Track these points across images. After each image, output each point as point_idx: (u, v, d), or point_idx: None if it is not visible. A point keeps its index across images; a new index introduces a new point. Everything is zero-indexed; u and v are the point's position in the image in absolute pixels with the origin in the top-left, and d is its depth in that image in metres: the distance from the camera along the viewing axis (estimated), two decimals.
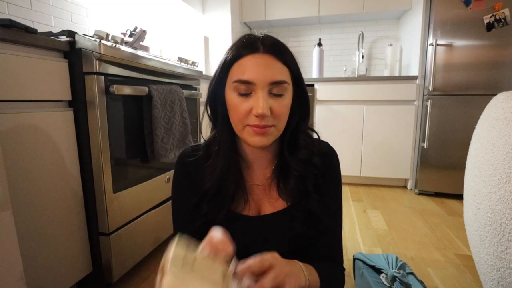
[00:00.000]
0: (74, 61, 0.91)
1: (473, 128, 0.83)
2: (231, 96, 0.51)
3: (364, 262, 1.07)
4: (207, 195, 0.57)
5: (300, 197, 0.56)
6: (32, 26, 0.99)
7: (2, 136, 0.72)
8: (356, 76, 2.83)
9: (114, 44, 1.00)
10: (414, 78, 2.21)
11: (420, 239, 1.50)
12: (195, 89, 1.66)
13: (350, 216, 1.80)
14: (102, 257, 1.01)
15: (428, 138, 2.12)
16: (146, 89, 1.11)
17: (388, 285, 0.94)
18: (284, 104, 0.51)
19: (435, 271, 1.21)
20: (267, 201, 0.60)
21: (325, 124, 2.43)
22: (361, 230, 1.61)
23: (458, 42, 1.99)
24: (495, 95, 0.77)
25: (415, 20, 2.28)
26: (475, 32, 1.95)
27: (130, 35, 1.65)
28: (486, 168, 0.70)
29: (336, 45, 2.95)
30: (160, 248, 1.35)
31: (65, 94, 0.91)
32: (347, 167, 2.39)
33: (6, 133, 0.73)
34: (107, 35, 0.97)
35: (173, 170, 0.65)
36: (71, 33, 0.91)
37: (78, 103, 0.93)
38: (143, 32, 1.51)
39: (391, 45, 2.64)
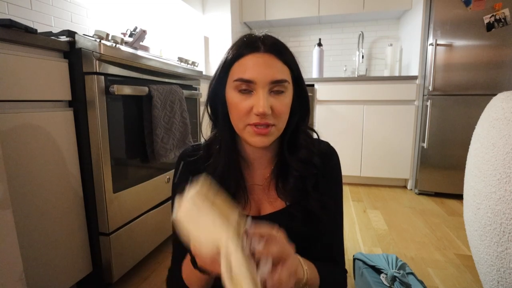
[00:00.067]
0: (74, 61, 0.91)
1: (473, 128, 0.83)
2: (232, 95, 0.52)
3: (364, 262, 1.07)
4: None
5: (299, 197, 0.56)
6: (32, 26, 0.99)
7: (2, 136, 0.72)
8: (356, 76, 2.83)
9: (114, 44, 1.00)
10: (414, 78, 2.21)
11: (420, 239, 1.51)
12: (195, 89, 1.66)
13: (350, 216, 1.80)
14: (102, 257, 1.01)
15: (428, 138, 2.12)
16: (146, 89, 1.11)
17: (388, 285, 0.94)
18: (284, 103, 0.52)
19: (435, 271, 1.21)
20: (266, 201, 0.60)
21: (325, 124, 2.43)
22: (361, 230, 1.61)
23: (458, 42, 1.99)
24: (495, 95, 0.77)
25: (415, 20, 2.28)
26: (475, 32, 1.95)
27: (130, 35, 1.65)
28: (486, 168, 0.70)
29: (336, 45, 2.95)
30: (160, 248, 1.35)
31: (65, 94, 0.91)
32: (347, 167, 2.39)
33: (6, 133, 0.73)
34: (107, 35, 0.97)
35: (173, 170, 0.65)
36: (71, 33, 0.91)
37: (78, 103, 0.93)
38: (143, 32, 1.51)
39: (391, 45, 2.64)
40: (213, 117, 0.60)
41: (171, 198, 0.66)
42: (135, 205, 1.13)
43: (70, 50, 0.90)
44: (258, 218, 0.59)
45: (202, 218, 0.35)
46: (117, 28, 1.79)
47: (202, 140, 0.64)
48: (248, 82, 0.49)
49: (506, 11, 1.87)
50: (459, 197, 2.03)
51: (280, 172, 0.59)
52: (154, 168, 1.25)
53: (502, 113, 0.69)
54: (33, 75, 0.80)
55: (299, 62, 0.56)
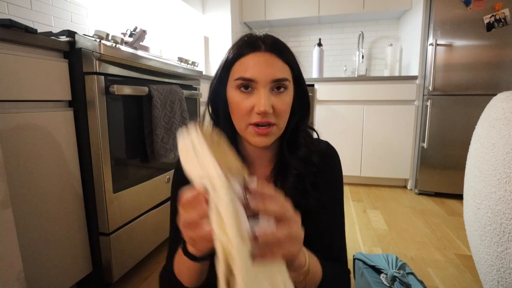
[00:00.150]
0: (74, 61, 0.91)
1: (473, 128, 0.83)
2: (233, 94, 0.52)
3: (364, 262, 1.07)
4: None
5: (299, 196, 0.56)
6: (32, 26, 0.99)
7: (2, 136, 0.72)
8: (356, 76, 2.83)
9: (114, 44, 1.00)
10: (414, 78, 2.21)
11: (420, 239, 1.50)
12: (195, 89, 1.66)
13: (350, 216, 1.80)
14: (102, 257, 1.01)
15: (428, 138, 2.12)
16: (146, 89, 1.11)
17: (388, 285, 0.94)
18: (285, 102, 0.52)
19: (435, 271, 1.21)
20: None
21: (325, 124, 2.43)
22: (361, 230, 1.61)
23: (458, 42, 1.99)
24: (495, 95, 0.77)
25: (415, 20, 2.28)
26: (475, 32, 1.95)
27: (130, 35, 1.65)
28: (486, 168, 0.70)
29: (336, 45, 2.95)
30: (160, 248, 1.35)
31: (65, 94, 0.91)
32: (347, 167, 2.39)
33: (6, 133, 0.73)
34: (107, 35, 0.97)
35: (173, 170, 0.65)
36: (71, 33, 0.91)
37: (78, 103, 0.93)
38: (143, 32, 1.51)
39: (391, 45, 2.64)
40: (214, 117, 0.60)
41: (171, 198, 0.66)
42: (135, 205, 1.13)
43: (70, 50, 0.90)
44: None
45: (200, 153, 0.32)
46: (117, 28, 1.79)
47: None
48: (249, 80, 0.49)
49: (506, 11, 1.87)
50: (459, 197, 2.04)
51: (280, 171, 0.59)
52: (154, 168, 1.25)
53: (502, 113, 0.69)
54: (33, 75, 0.80)
55: (299, 61, 0.56)
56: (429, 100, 2.09)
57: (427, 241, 1.48)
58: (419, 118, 2.24)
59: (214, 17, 2.58)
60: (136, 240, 1.14)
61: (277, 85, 0.50)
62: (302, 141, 0.58)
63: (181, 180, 0.63)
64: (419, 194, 2.23)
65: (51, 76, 0.85)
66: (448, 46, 2.01)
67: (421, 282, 0.97)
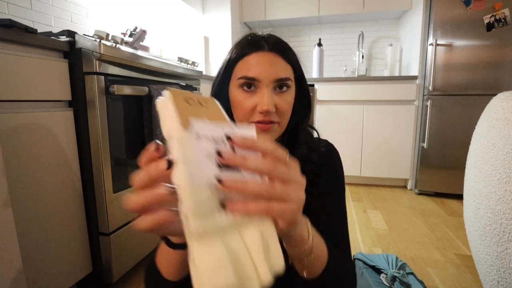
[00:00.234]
0: (74, 61, 0.91)
1: (473, 128, 0.83)
2: (236, 93, 0.52)
3: (364, 262, 1.07)
4: None
5: None
6: (32, 26, 0.99)
7: (2, 136, 0.72)
8: (356, 76, 2.83)
9: (114, 44, 1.00)
10: (414, 78, 2.21)
11: (420, 239, 1.50)
12: (195, 89, 1.66)
13: (350, 216, 1.80)
14: (102, 257, 1.01)
15: (428, 138, 2.12)
16: (146, 89, 1.11)
17: (388, 285, 0.95)
18: (287, 101, 0.52)
19: (435, 271, 1.21)
20: None
21: (325, 124, 2.43)
22: (361, 230, 1.61)
23: (458, 42, 1.99)
24: (495, 95, 0.77)
25: (415, 20, 2.28)
26: (475, 32, 1.95)
27: (130, 35, 1.65)
28: (486, 168, 0.70)
29: (336, 45, 2.95)
30: None
31: (65, 94, 0.91)
32: (347, 167, 2.39)
33: (6, 133, 0.73)
34: (107, 35, 0.97)
35: None
36: (71, 33, 0.91)
37: (78, 103, 0.93)
38: (143, 32, 1.51)
39: (391, 45, 2.64)
40: None
41: None
42: None
43: (70, 50, 0.90)
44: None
45: (167, 111, 0.27)
46: (117, 28, 1.79)
47: None
48: (252, 80, 0.49)
49: (506, 11, 1.87)
50: (459, 197, 2.03)
51: None
52: None
53: (502, 113, 0.69)
54: (33, 75, 0.80)
55: (301, 61, 0.56)
56: (429, 100, 2.09)
57: (427, 241, 1.48)
58: (419, 118, 2.24)
59: (214, 17, 2.58)
60: (136, 240, 1.14)
61: (280, 85, 0.51)
62: (302, 140, 0.58)
63: None
64: (419, 194, 2.23)
65: (51, 76, 0.85)
66: (448, 46, 2.01)
67: (421, 282, 0.97)
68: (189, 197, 0.23)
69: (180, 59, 1.53)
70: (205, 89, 1.80)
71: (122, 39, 1.05)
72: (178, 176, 0.23)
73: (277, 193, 0.26)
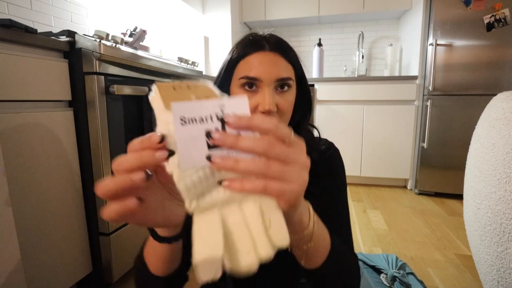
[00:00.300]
0: (74, 61, 0.91)
1: (473, 128, 0.83)
2: (237, 93, 0.52)
3: (364, 262, 1.07)
4: None
5: None
6: (32, 26, 0.99)
7: (2, 136, 0.72)
8: (356, 76, 2.83)
9: (114, 44, 1.00)
10: (414, 78, 2.21)
11: (420, 239, 1.50)
12: None
13: (350, 216, 1.80)
14: (102, 257, 1.01)
15: (428, 138, 2.12)
16: (146, 89, 1.11)
17: (388, 285, 0.95)
18: (289, 101, 0.53)
19: (435, 271, 1.21)
20: None
21: (325, 124, 2.43)
22: (361, 230, 1.61)
23: (458, 42, 1.99)
24: (495, 95, 0.77)
25: (415, 20, 2.28)
26: (475, 32, 1.95)
27: (130, 35, 1.65)
28: (486, 168, 0.70)
29: (336, 45, 2.95)
30: None
31: (65, 94, 0.91)
32: (347, 167, 2.36)
33: (6, 133, 0.73)
34: (107, 35, 0.97)
35: None
36: (71, 33, 0.91)
37: (78, 103, 0.93)
38: (143, 32, 1.51)
39: (391, 45, 2.64)
40: None
41: None
42: None
43: (70, 50, 0.90)
44: None
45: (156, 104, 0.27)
46: (117, 28, 1.79)
47: None
48: (254, 79, 0.50)
49: (506, 11, 1.87)
50: (459, 197, 2.03)
51: None
52: None
53: (502, 113, 0.69)
54: (33, 75, 0.80)
55: (302, 61, 0.57)
56: (429, 100, 2.09)
57: (427, 241, 1.48)
58: (419, 118, 2.24)
59: (214, 17, 2.58)
60: (136, 240, 1.14)
61: (281, 84, 0.51)
62: (303, 137, 0.58)
63: None
64: (419, 194, 2.23)
65: (51, 76, 0.85)
66: (448, 46, 2.01)
67: (421, 282, 0.97)
68: (179, 182, 0.23)
69: (180, 59, 1.53)
70: None
71: (122, 39, 1.05)
72: (168, 163, 0.23)
73: (273, 172, 0.24)
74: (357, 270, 0.49)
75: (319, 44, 2.70)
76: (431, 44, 2.03)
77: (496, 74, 1.96)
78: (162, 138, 0.24)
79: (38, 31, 0.83)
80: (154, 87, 0.27)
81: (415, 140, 2.28)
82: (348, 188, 0.62)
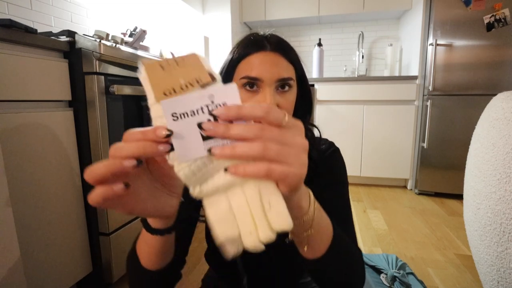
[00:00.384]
0: (74, 61, 0.91)
1: (473, 128, 0.83)
2: None
3: (364, 262, 1.07)
4: None
5: None
6: (32, 26, 0.99)
7: (2, 136, 0.72)
8: (356, 76, 2.83)
9: (114, 44, 1.00)
10: (414, 78, 2.21)
11: (420, 239, 1.50)
12: None
13: None
14: (102, 257, 1.01)
15: (428, 138, 2.12)
16: None
17: (388, 285, 0.95)
18: (290, 101, 0.53)
19: (435, 271, 1.21)
20: None
21: (325, 124, 2.43)
22: (361, 230, 1.61)
23: (458, 42, 1.99)
24: (495, 95, 0.77)
25: (415, 20, 2.28)
26: (475, 32, 1.95)
27: (130, 35, 1.65)
28: (486, 168, 0.70)
29: (336, 45, 2.95)
30: None
31: (65, 94, 0.91)
32: (347, 167, 2.38)
33: (6, 133, 0.73)
34: (107, 35, 0.97)
35: None
36: (71, 33, 0.91)
37: (78, 103, 0.93)
38: (143, 32, 1.51)
39: (391, 45, 2.64)
40: None
41: None
42: None
43: (70, 50, 0.90)
44: None
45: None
46: (117, 28, 1.78)
47: None
48: (255, 80, 0.50)
49: (506, 11, 1.87)
50: (459, 197, 2.03)
51: None
52: None
53: (502, 113, 0.69)
54: (33, 75, 0.80)
55: (302, 61, 0.57)
56: (429, 100, 2.09)
57: (427, 241, 1.48)
58: (419, 118, 2.24)
59: (214, 17, 2.58)
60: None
61: (282, 84, 0.51)
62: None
63: None
64: (419, 194, 2.23)
65: (51, 76, 0.85)
66: (448, 46, 2.01)
67: (421, 282, 0.97)
68: (179, 173, 0.24)
69: None
70: None
71: (122, 39, 1.05)
72: (169, 156, 0.24)
73: (271, 154, 0.23)
74: (362, 267, 0.47)
75: (319, 44, 2.70)
76: (431, 44, 2.03)
77: (496, 74, 1.96)
78: (168, 134, 0.24)
79: (38, 31, 0.84)
80: (141, 66, 0.26)
81: (415, 140, 2.28)
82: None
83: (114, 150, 0.25)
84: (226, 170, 0.24)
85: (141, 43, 1.53)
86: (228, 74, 0.54)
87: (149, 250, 0.40)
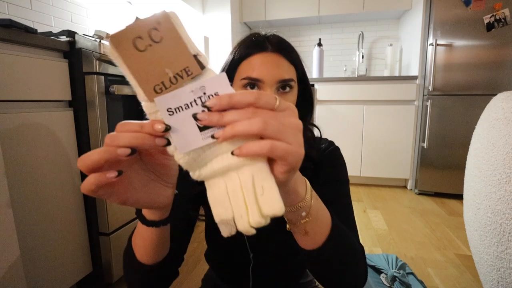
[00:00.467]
0: (74, 61, 0.91)
1: (473, 128, 0.83)
2: None
3: None
4: None
5: None
6: (32, 26, 0.99)
7: (2, 136, 0.72)
8: (356, 76, 2.83)
9: None
10: (414, 78, 2.21)
11: (420, 239, 1.50)
12: None
13: None
14: (102, 257, 1.01)
15: (428, 138, 2.12)
16: None
17: (388, 285, 0.95)
18: (291, 102, 0.53)
19: (435, 271, 1.21)
20: None
21: (325, 124, 2.43)
22: (361, 230, 1.61)
23: (458, 42, 1.99)
24: (495, 95, 0.77)
25: (415, 20, 2.28)
26: (475, 32, 1.95)
27: None
28: (486, 168, 0.70)
29: (336, 45, 2.95)
30: None
31: (65, 94, 0.91)
32: (347, 167, 2.39)
33: (6, 133, 0.73)
34: (107, 35, 0.97)
35: None
36: (71, 33, 0.91)
37: (78, 103, 0.93)
38: None
39: (391, 45, 2.64)
40: None
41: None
42: None
43: (70, 50, 0.90)
44: None
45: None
46: (117, 28, 1.78)
47: None
48: (256, 80, 0.50)
49: (506, 11, 1.87)
50: (459, 197, 2.03)
51: None
52: None
53: (502, 113, 0.69)
54: (33, 75, 0.80)
55: (303, 61, 0.57)
56: (429, 100, 2.09)
57: (427, 241, 1.48)
58: (419, 118, 2.24)
59: (214, 17, 2.58)
60: None
61: (283, 85, 0.51)
62: (304, 138, 0.58)
63: (182, 175, 0.62)
64: (419, 194, 2.23)
65: (51, 76, 0.85)
66: (448, 46, 2.01)
67: (421, 282, 0.97)
68: (179, 161, 0.25)
69: None
70: None
71: None
72: (169, 146, 0.25)
73: (272, 130, 0.23)
74: (364, 262, 0.46)
75: (319, 44, 2.70)
76: (431, 44, 2.03)
77: (496, 74, 1.96)
78: (166, 128, 0.25)
79: (38, 31, 0.84)
80: (108, 43, 0.26)
81: (415, 140, 2.28)
82: None
83: (110, 139, 0.25)
84: (232, 153, 0.25)
85: None
86: (228, 74, 0.54)
87: (144, 243, 0.40)
